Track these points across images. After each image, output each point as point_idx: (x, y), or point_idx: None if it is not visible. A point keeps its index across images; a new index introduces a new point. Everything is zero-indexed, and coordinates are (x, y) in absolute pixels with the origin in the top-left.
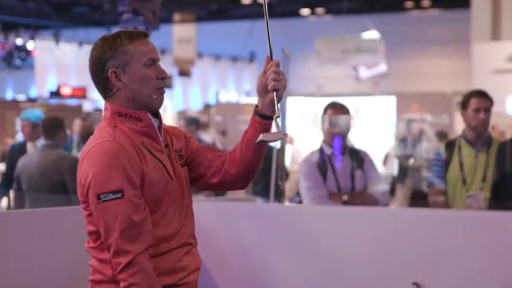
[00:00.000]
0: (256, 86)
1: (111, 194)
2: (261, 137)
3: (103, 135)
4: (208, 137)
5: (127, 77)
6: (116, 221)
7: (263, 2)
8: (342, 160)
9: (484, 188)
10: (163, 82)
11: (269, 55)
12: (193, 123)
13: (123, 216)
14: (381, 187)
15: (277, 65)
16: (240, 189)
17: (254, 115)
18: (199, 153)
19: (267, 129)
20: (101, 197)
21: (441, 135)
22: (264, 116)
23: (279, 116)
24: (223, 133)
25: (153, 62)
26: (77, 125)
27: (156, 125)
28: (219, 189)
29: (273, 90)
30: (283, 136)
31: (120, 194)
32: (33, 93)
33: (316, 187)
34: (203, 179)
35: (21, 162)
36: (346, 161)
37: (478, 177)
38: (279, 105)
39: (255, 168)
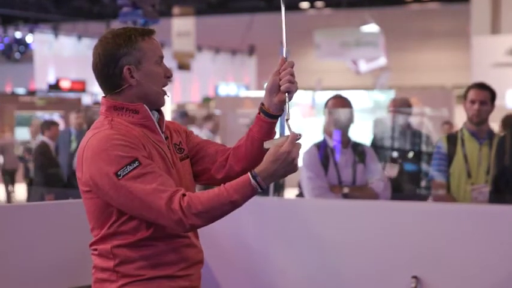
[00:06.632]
0: (267, 84)
1: (128, 166)
2: (269, 144)
3: (99, 126)
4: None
5: (139, 74)
6: (148, 181)
7: (281, 4)
8: (345, 153)
9: (488, 181)
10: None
11: (284, 55)
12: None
13: (153, 174)
14: (382, 181)
15: (292, 66)
16: None
17: (259, 113)
18: (201, 147)
19: (272, 128)
20: (119, 173)
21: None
22: (271, 115)
23: (289, 119)
24: (214, 130)
25: (162, 60)
26: (73, 118)
27: (155, 117)
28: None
29: (286, 91)
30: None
31: (136, 162)
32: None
33: (317, 178)
34: (208, 173)
35: None
36: (348, 155)
37: (482, 170)
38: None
39: (259, 163)
